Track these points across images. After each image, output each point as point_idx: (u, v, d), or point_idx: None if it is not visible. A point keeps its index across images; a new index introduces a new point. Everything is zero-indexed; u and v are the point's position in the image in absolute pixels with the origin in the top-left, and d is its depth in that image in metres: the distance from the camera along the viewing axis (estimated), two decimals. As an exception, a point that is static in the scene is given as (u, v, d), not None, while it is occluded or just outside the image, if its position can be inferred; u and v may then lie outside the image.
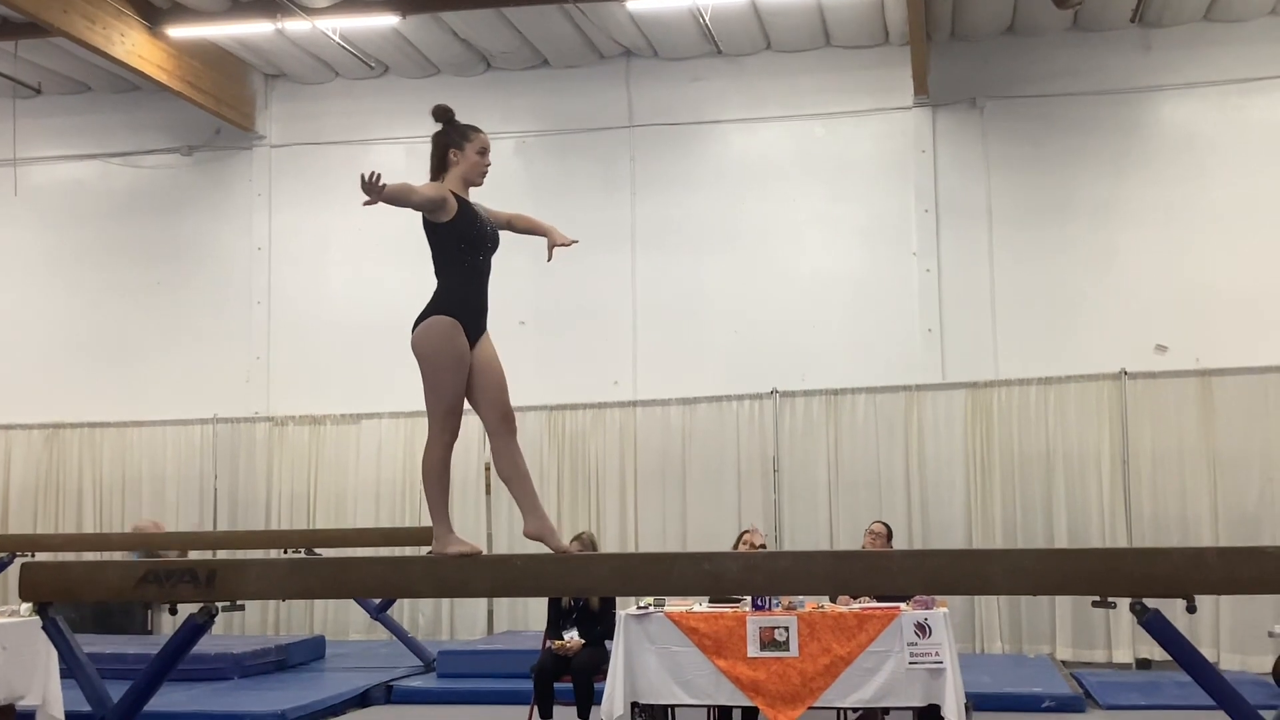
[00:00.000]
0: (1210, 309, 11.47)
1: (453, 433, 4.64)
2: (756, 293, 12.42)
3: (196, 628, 4.87)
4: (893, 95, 12.32)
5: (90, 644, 9.72)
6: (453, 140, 4.74)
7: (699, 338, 12.47)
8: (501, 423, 4.68)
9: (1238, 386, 10.71)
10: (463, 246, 4.65)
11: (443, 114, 4.79)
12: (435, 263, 4.70)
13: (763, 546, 8.29)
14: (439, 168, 4.76)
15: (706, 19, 11.74)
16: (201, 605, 4.86)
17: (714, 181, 12.62)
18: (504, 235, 4.84)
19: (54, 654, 7.10)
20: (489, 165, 4.78)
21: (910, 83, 12.01)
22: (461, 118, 4.82)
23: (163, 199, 13.79)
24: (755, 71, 12.71)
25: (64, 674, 7.22)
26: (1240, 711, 4.43)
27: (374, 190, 4.29)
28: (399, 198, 4.44)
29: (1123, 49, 12.00)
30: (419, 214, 4.63)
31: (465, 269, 4.67)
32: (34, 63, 13.06)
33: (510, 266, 12.16)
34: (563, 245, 4.84)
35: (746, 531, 8.40)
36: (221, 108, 13.10)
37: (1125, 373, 10.96)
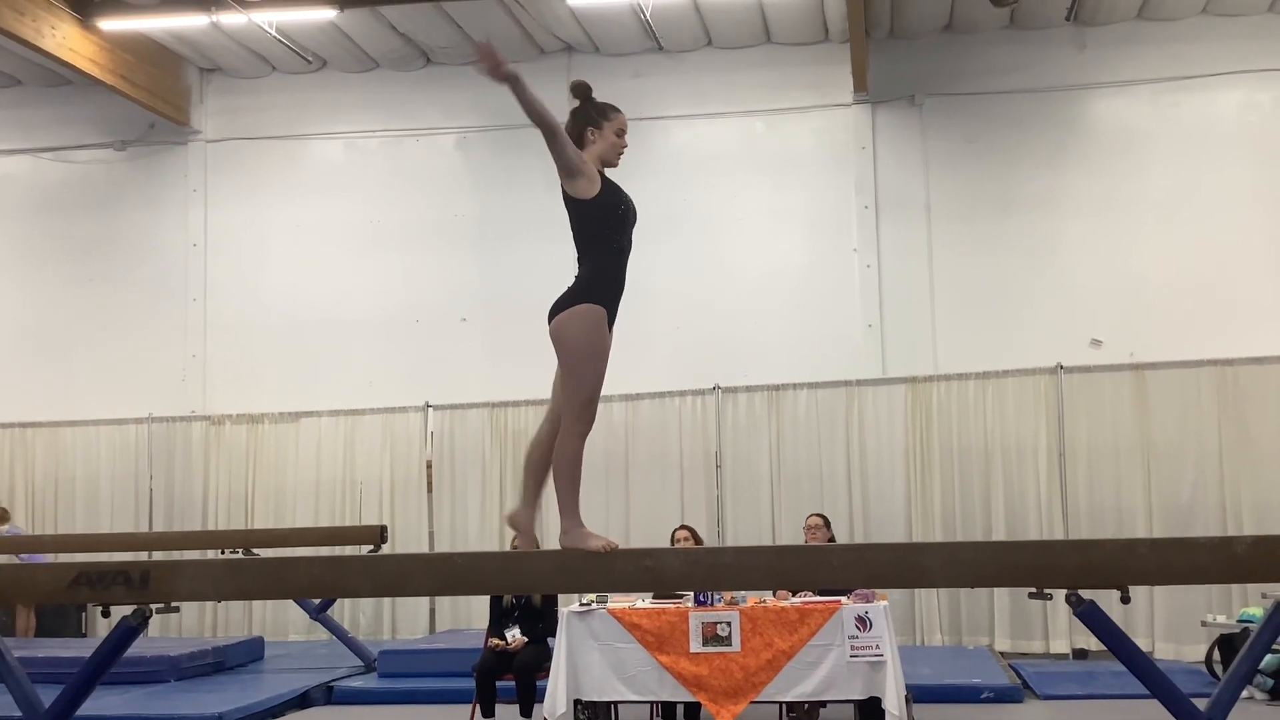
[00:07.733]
0: (1144, 303, 11.67)
1: (589, 424, 4.55)
2: (699, 289, 12.45)
3: (130, 630, 4.79)
4: (833, 92, 12.41)
5: (24, 648, 9.61)
6: (591, 119, 4.58)
7: (642, 333, 12.38)
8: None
9: (1171, 380, 10.88)
10: (608, 226, 4.47)
11: (581, 90, 4.64)
12: (578, 242, 4.51)
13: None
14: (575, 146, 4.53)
15: (647, 15, 11.74)
16: (135, 607, 4.77)
17: (656, 177, 12.56)
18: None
19: (-16, 659, 6.95)
20: (626, 146, 4.59)
21: (850, 79, 12.09)
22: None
23: (96, 194, 13.56)
24: (697, 68, 12.73)
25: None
26: (1173, 700, 4.50)
27: (505, 77, 4.16)
28: (545, 123, 4.31)
29: (1058, 47, 12.17)
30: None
31: (611, 250, 4.49)
32: (-39, 55, 12.82)
33: (452, 260, 12.39)
34: None
35: (679, 529, 8.40)
36: (156, 102, 12.89)
37: (1061, 367, 11.10)
